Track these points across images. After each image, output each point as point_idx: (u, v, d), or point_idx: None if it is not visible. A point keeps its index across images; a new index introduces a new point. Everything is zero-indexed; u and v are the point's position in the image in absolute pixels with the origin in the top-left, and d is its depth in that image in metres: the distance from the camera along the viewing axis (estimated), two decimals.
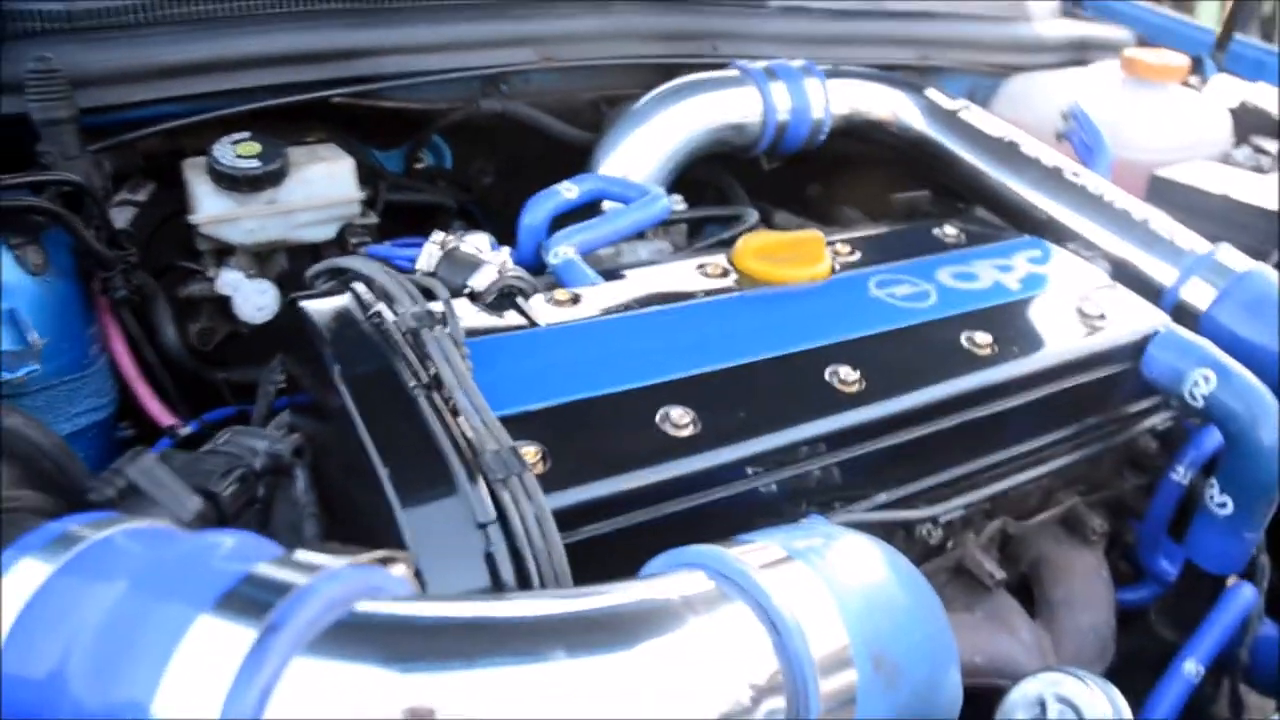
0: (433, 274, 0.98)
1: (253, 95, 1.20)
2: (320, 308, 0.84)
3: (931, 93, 1.39)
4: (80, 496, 0.64)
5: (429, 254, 1.00)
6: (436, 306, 0.82)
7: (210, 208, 1.16)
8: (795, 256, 1.04)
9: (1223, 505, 0.98)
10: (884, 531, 0.83)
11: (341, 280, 0.91)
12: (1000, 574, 0.97)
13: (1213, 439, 1.07)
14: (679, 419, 0.79)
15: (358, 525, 0.72)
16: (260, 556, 0.48)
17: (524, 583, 0.64)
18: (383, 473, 0.66)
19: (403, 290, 0.82)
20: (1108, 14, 1.95)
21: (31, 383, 0.98)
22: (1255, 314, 1.09)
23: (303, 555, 0.50)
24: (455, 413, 0.72)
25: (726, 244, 1.21)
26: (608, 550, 0.72)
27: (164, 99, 1.17)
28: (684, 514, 0.76)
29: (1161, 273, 1.15)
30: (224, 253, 1.24)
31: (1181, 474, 1.06)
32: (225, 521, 0.67)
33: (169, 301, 1.19)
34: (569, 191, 1.17)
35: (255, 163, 1.15)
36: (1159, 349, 0.99)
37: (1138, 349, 1.01)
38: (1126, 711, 0.77)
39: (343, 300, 0.86)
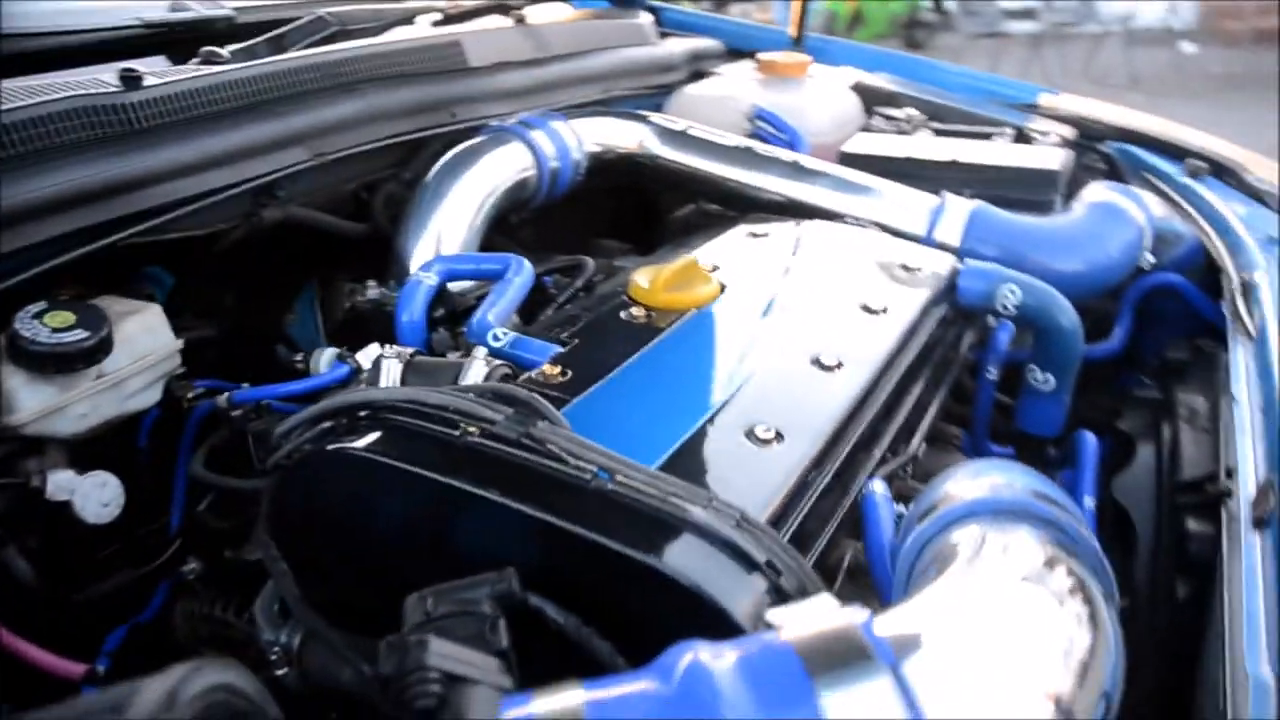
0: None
1: (30, 256, 1.03)
2: (392, 448, 0.81)
3: (655, 117, 1.58)
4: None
5: (389, 370, 0.96)
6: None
7: (31, 401, 0.99)
8: (690, 281, 1.16)
9: (1045, 382, 1.30)
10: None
11: (356, 420, 0.86)
12: None
13: (1000, 341, 1.39)
14: (763, 433, 0.89)
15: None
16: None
17: None
18: (654, 561, 0.69)
19: (475, 403, 0.82)
20: (686, 28, 2.28)
21: None
22: (994, 237, 1.43)
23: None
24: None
25: (586, 291, 1.29)
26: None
27: None
28: (809, 511, 0.87)
29: (912, 224, 1.45)
30: (23, 454, 1.06)
31: (993, 373, 1.37)
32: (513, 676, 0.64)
33: None
34: (429, 279, 1.17)
35: (80, 333, 1.01)
36: (968, 280, 1.28)
37: (951, 284, 1.28)
38: None
39: (384, 438, 0.83)
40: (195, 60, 1.32)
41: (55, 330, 1.00)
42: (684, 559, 0.70)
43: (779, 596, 0.71)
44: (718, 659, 0.53)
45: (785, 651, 0.52)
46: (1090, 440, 1.27)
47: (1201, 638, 1.00)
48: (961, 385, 1.40)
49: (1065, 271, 1.42)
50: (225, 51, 1.33)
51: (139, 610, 1.08)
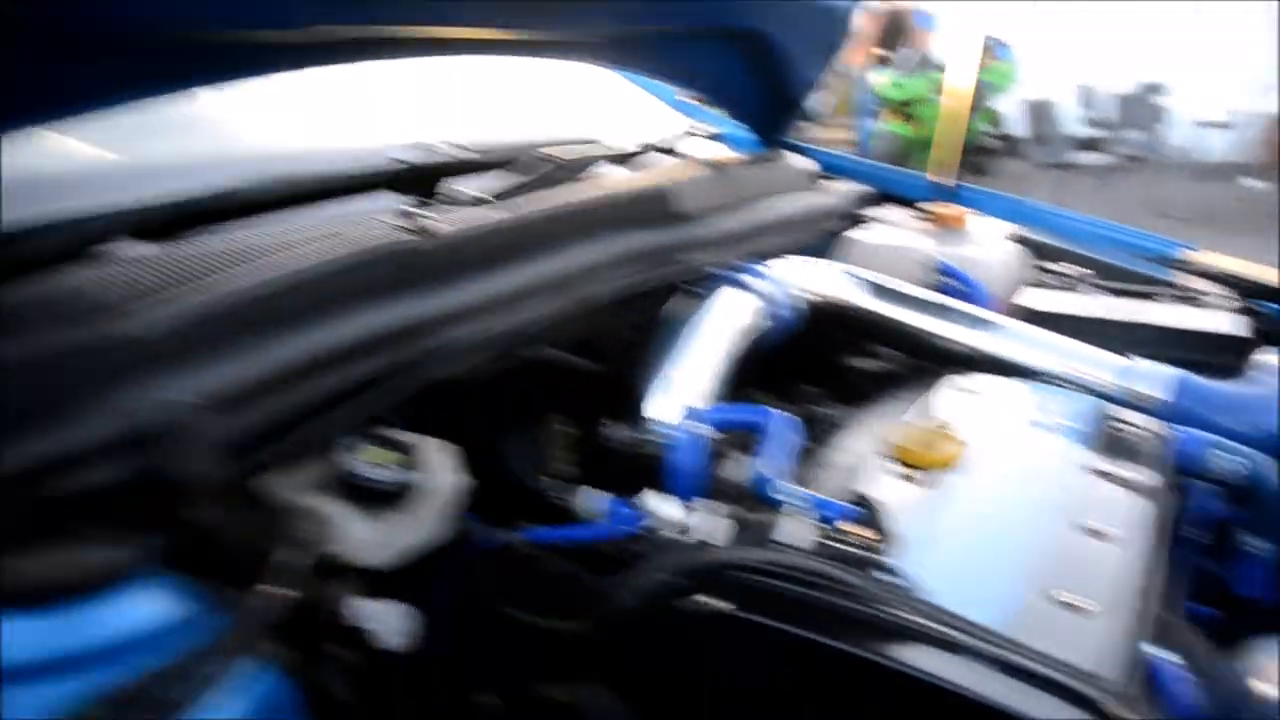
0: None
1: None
2: (777, 612, 0.92)
3: (850, 266, 1.72)
4: None
5: (714, 527, 1.08)
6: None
7: (360, 533, 1.11)
8: (939, 439, 1.28)
9: (1259, 546, 1.40)
10: None
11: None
12: None
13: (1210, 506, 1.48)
14: (1072, 599, 1.00)
15: None
16: None
17: None
18: None
19: (843, 570, 0.93)
20: (833, 170, 2.42)
21: None
22: (1192, 402, 1.54)
23: None
24: None
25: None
26: None
27: None
28: None
29: (1106, 384, 1.56)
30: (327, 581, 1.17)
31: (1205, 537, 1.46)
32: None
33: None
34: (701, 429, 1.30)
35: (406, 472, 1.14)
36: (1186, 446, 1.40)
37: (1169, 450, 1.39)
38: None
39: (756, 599, 0.94)
40: (440, 199, 1.46)
41: (377, 466, 1.12)
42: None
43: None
44: None
45: None
46: None
47: None
48: None
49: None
50: (470, 192, 1.47)
51: None
